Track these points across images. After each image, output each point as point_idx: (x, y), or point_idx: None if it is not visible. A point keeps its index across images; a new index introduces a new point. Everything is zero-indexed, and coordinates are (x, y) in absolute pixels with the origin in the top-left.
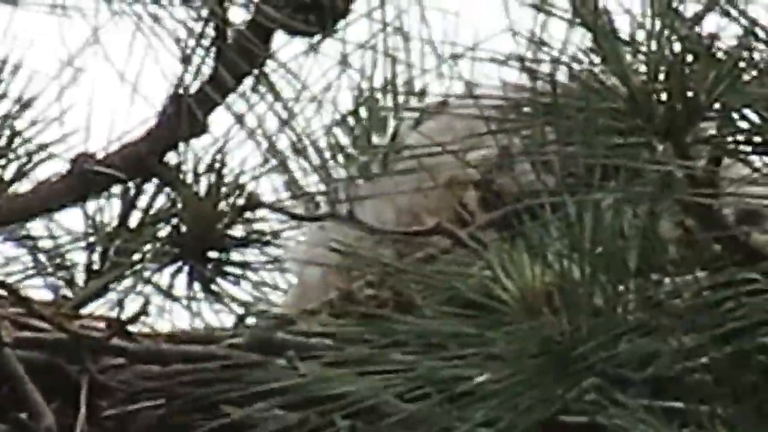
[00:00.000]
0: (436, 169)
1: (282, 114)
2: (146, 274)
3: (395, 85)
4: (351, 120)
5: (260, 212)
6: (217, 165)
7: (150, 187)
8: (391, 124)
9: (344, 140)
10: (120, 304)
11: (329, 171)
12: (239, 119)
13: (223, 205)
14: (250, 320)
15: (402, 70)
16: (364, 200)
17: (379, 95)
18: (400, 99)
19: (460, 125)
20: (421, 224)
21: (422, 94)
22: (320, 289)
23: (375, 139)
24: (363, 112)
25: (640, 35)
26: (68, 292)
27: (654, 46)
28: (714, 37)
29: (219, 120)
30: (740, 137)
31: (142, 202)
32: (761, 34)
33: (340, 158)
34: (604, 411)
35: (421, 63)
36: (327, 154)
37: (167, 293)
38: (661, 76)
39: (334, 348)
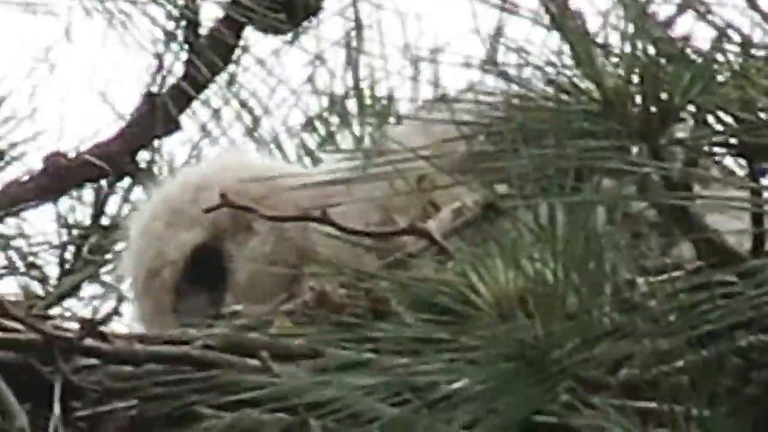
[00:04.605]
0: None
1: (256, 111)
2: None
3: (371, 89)
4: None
5: None
6: (193, 161)
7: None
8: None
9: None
10: (93, 303)
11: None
12: (215, 114)
13: None
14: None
15: (371, 72)
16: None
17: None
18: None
19: (434, 129)
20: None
21: (390, 98)
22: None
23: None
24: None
25: (614, 38)
26: (40, 291)
27: (627, 48)
28: (687, 39)
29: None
30: (715, 139)
31: (115, 200)
32: (734, 36)
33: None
34: (577, 413)
35: (384, 65)
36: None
37: None
38: (635, 79)
39: (306, 348)
